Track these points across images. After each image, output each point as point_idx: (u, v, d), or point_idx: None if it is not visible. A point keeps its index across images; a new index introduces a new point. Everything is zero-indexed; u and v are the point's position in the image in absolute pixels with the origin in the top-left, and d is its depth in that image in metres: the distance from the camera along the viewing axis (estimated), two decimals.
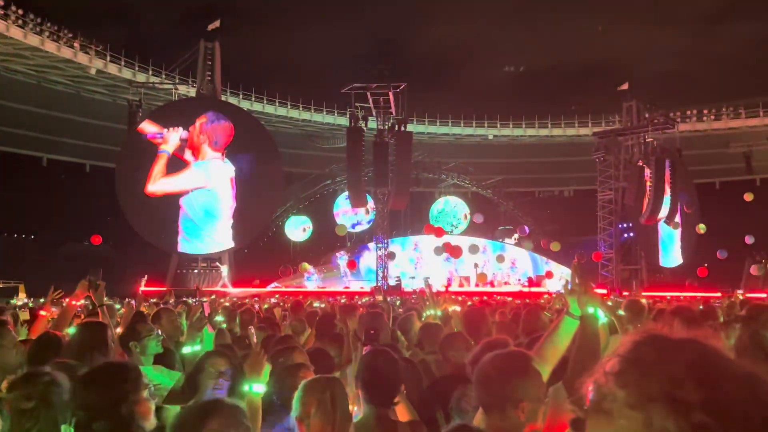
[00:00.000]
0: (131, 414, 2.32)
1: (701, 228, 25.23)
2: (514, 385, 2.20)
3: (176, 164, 29.31)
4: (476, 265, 33.87)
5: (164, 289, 27.83)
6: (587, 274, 3.07)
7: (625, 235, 34.15)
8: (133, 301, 9.56)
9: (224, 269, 31.38)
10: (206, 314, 5.02)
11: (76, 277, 4.61)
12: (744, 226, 31.47)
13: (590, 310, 2.77)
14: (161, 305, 7.02)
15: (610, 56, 50.67)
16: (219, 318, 6.46)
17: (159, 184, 29.09)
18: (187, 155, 29.53)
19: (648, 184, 30.93)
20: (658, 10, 51.73)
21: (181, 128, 29.20)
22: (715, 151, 39.44)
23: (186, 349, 4.50)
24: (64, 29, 31.49)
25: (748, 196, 25.19)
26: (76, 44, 31.65)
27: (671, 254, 34.85)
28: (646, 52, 51.45)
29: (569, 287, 2.88)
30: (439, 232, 31.96)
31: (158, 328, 4.49)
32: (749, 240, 31.10)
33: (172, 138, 29.17)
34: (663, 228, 33.52)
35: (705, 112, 40.20)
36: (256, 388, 2.75)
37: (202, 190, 29.57)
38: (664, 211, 31.38)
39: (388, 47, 51.76)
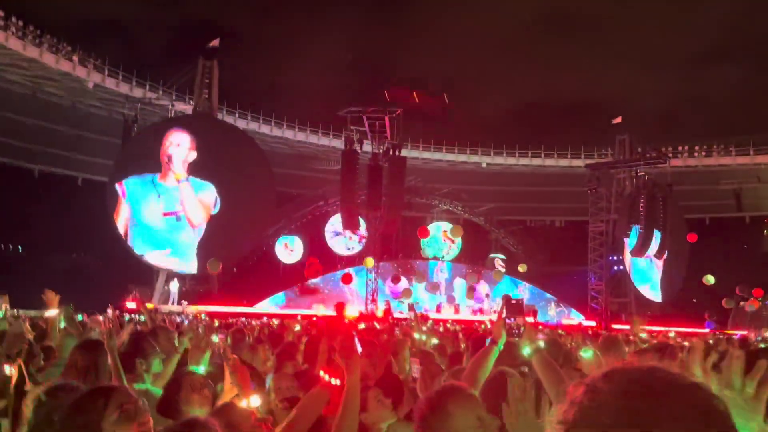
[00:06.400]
0: None
1: (709, 279, 24.83)
2: (435, 425, 2.20)
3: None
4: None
5: (151, 306, 27.58)
6: (518, 311, 3.30)
7: (615, 268, 34.20)
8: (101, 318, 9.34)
9: (173, 285, 30.73)
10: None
11: (60, 290, 4.56)
12: (732, 262, 31.62)
13: (541, 345, 3.06)
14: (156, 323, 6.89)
15: (603, 93, 51.34)
16: (214, 338, 6.36)
17: None
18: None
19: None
20: (649, 52, 52.70)
21: None
22: (705, 187, 39.74)
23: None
24: (63, 42, 31.57)
25: (707, 281, 24.83)
26: (75, 58, 31.70)
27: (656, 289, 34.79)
28: (638, 91, 52.20)
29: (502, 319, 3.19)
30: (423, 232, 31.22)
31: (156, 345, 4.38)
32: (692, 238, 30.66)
33: None
34: (641, 263, 33.33)
35: (696, 148, 40.57)
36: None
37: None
38: (654, 245, 31.50)
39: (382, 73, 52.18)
